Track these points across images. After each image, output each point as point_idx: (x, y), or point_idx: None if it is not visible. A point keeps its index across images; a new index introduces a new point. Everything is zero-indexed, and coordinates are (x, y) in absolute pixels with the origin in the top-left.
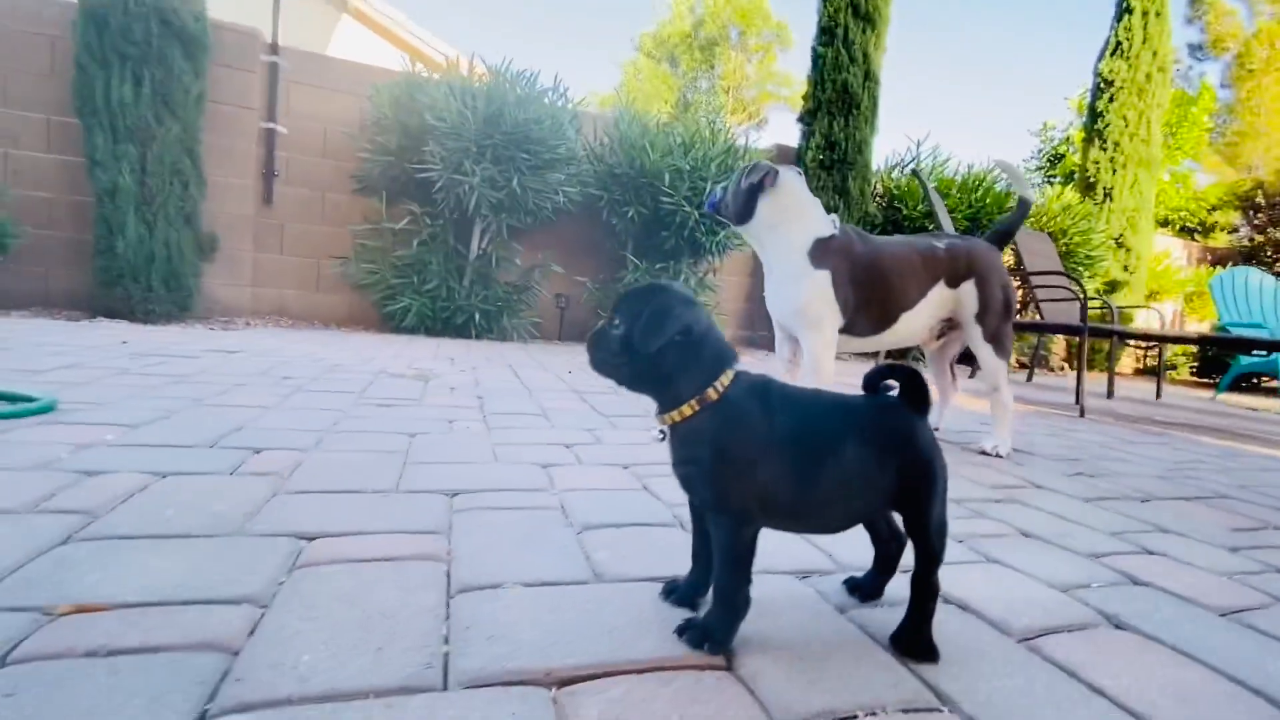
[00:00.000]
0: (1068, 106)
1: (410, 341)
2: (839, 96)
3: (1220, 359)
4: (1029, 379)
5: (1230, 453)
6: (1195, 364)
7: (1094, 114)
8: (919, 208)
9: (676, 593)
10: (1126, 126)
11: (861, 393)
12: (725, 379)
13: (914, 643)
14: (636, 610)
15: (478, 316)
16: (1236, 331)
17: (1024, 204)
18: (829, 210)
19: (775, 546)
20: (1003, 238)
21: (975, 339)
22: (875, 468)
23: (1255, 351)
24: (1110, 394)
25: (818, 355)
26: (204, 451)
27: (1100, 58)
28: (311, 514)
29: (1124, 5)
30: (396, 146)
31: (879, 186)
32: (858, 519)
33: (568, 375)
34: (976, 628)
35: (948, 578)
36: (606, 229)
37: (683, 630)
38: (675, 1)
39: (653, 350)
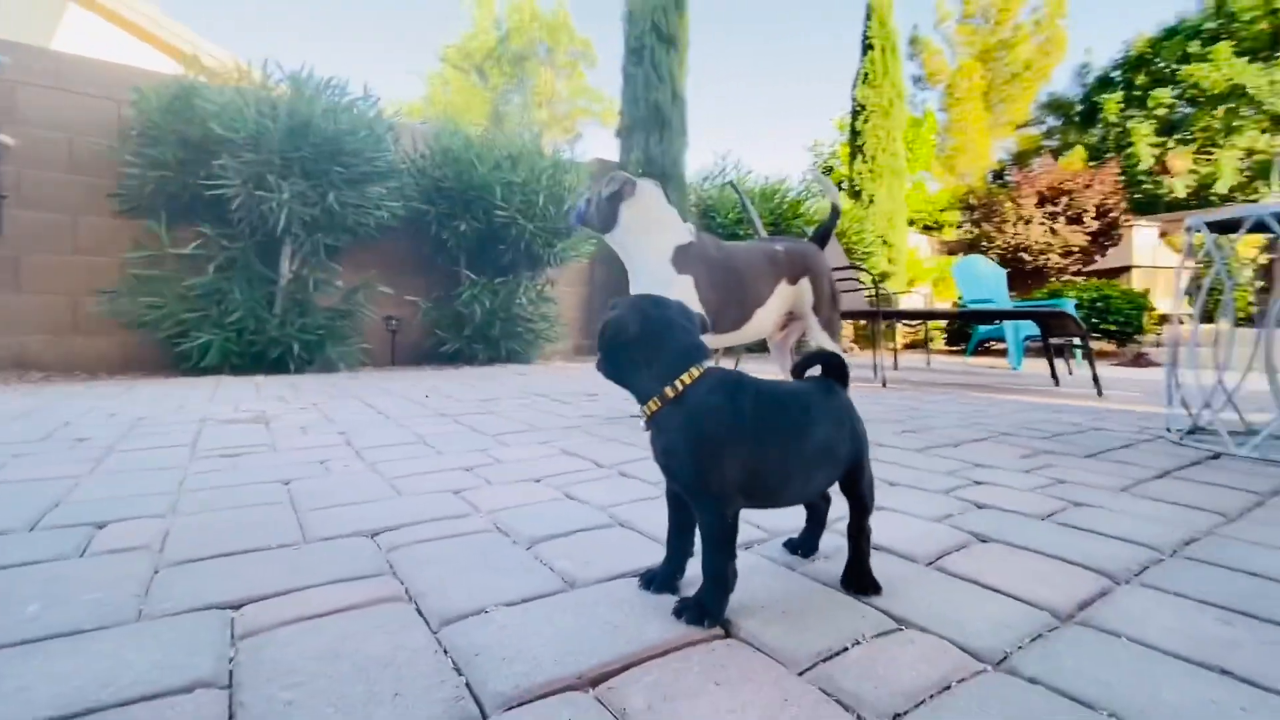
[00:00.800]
0: (833, 126)
1: (218, 383)
2: (652, 114)
3: (963, 329)
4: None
5: (994, 401)
6: (945, 335)
7: (854, 133)
8: (730, 216)
9: (656, 581)
10: (880, 143)
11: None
12: (688, 376)
13: (861, 581)
14: (626, 605)
15: (296, 348)
16: (974, 306)
17: (836, 210)
18: None
19: None
20: (823, 239)
21: (814, 327)
22: (835, 440)
23: (993, 321)
24: (895, 366)
25: None
26: (25, 536)
27: (855, 85)
28: (219, 582)
29: (867, 43)
30: (174, 160)
31: (693, 197)
32: (825, 487)
33: (426, 400)
34: (894, 562)
35: None
36: (437, 244)
37: (680, 612)
38: (478, 14)
39: (604, 356)
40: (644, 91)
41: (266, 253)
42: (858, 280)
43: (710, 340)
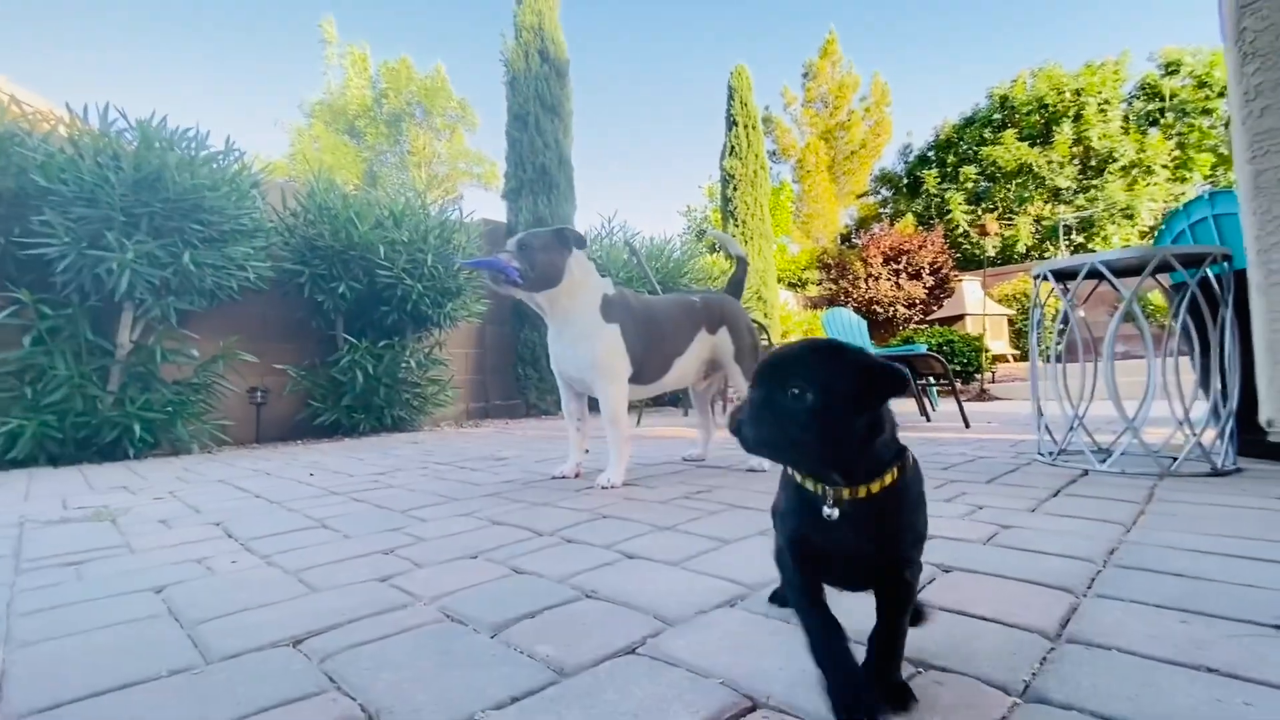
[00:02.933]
0: (702, 193)
1: (32, 477)
2: (539, 177)
3: None
4: (724, 409)
5: None
6: None
7: (725, 199)
8: (621, 274)
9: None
10: (749, 209)
11: None
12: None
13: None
14: (635, 688)
15: (138, 428)
16: None
17: (742, 262)
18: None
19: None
20: (737, 290)
21: (736, 376)
22: None
23: None
24: None
25: (615, 405)
26: None
27: (723, 157)
28: None
29: (732, 119)
30: None
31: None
32: None
33: (311, 478)
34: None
35: None
36: (311, 307)
37: (903, 697)
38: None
39: (863, 420)
40: (530, 155)
41: (102, 320)
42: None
43: (633, 391)
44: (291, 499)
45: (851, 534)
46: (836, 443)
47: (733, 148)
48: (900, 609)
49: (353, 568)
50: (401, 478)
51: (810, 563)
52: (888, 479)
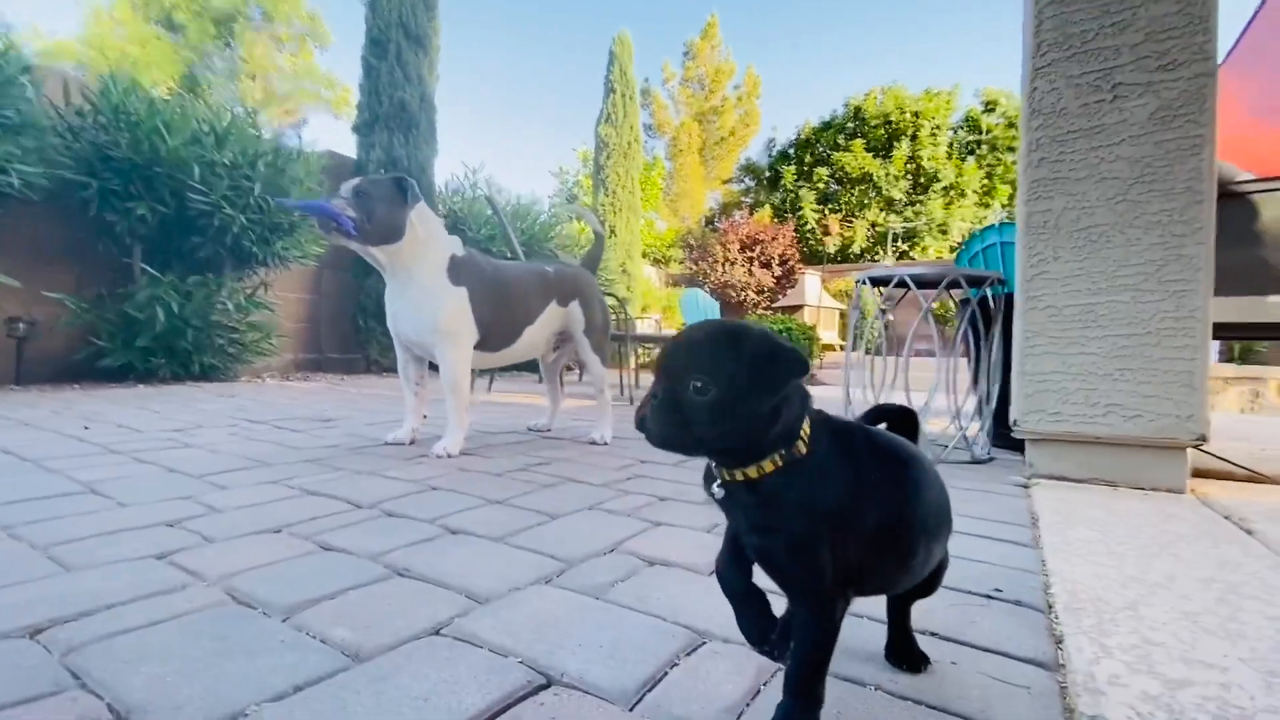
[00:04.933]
0: (576, 157)
1: None
2: (397, 113)
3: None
4: (580, 379)
5: None
6: None
7: (598, 166)
8: (482, 232)
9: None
10: (620, 180)
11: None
12: (807, 429)
13: (912, 654)
14: (430, 672)
15: None
16: None
17: (599, 237)
18: None
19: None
20: (593, 265)
21: (585, 350)
22: (946, 505)
23: None
24: (637, 384)
25: (456, 371)
26: None
27: (598, 123)
28: None
29: (610, 85)
30: None
31: (442, 208)
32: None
33: (87, 431)
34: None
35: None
36: (99, 227)
37: None
38: None
39: (768, 407)
40: (389, 87)
41: None
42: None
43: (478, 359)
44: (52, 457)
45: (741, 516)
46: (737, 433)
47: (609, 115)
48: (800, 637)
49: (123, 542)
50: (204, 436)
51: (737, 540)
52: (767, 466)
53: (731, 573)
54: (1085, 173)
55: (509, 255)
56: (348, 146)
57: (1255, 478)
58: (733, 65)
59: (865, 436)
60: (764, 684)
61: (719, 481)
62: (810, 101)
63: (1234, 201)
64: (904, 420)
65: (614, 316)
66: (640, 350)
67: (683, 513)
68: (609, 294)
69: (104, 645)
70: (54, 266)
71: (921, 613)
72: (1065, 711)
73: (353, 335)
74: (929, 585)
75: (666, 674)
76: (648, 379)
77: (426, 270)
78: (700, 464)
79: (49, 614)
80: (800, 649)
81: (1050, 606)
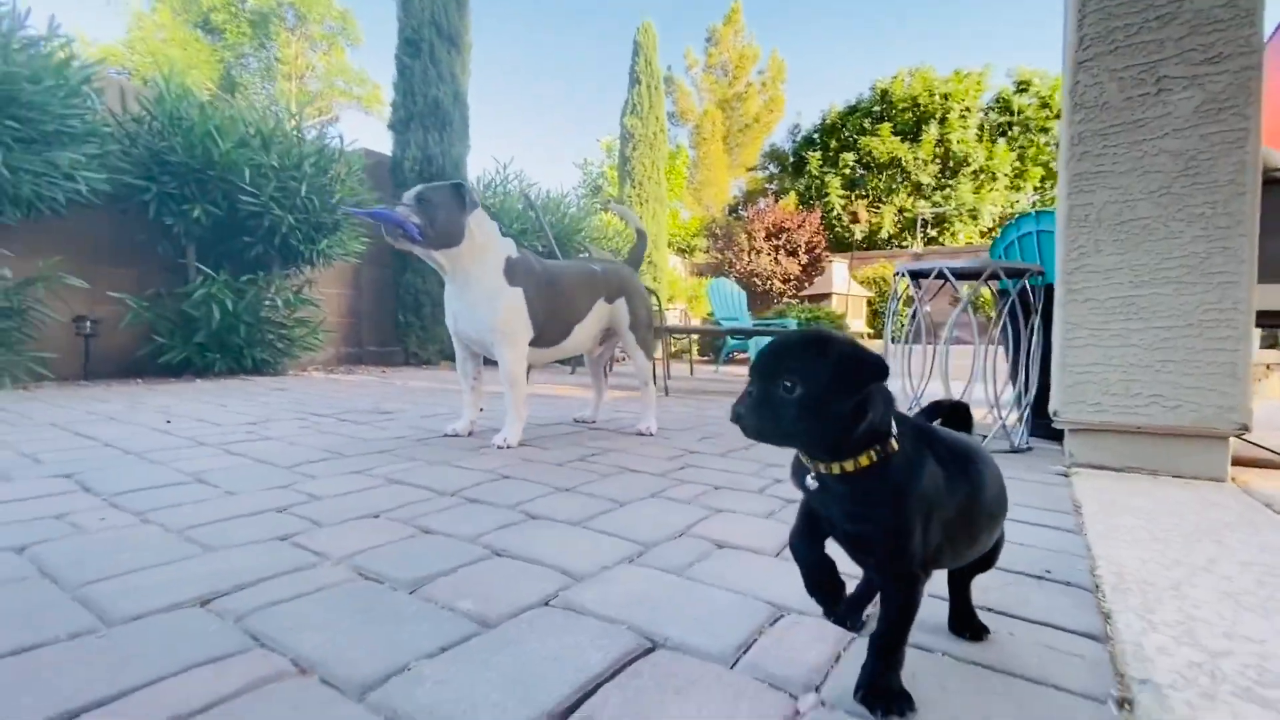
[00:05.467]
0: (600, 147)
1: None
2: (431, 110)
3: (713, 342)
4: (609, 371)
5: None
6: (699, 346)
7: (624, 158)
8: (514, 226)
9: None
10: (646, 171)
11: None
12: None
13: (974, 624)
14: (554, 635)
15: None
16: (727, 323)
17: (642, 235)
18: None
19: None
20: (636, 262)
21: (631, 345)
22: (1002, 494)
23: (736, 336)
24: (669, 375)
25: (514, 368)
26: None
27: (624, 114)
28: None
29: (635, 76)
30: None
31: None
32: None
33: (169, 425)
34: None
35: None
36: (158, 230)
37: (871, 704)
38: None
39: (849, 407)
40: (422, 85)
41: None
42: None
43: (532, 355)
44: (152, 449)
45: (834, 506)
46: (823, 428)
47: (634, 105)
48: (888, 609)
49: (246, 526)
50: (277, 429)
51: (811, 517)
52: (863, 460)
53: (804, 545)
54: (1128, 166)
55: (541, 249)
56: (381, 143)
57: None
58: (756, 50)
59: (938, 434)
60: (844, 649)
61: (812, 474)
62: (835, 85)
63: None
64: (959, 414)
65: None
66: (671, 340)
67: (739, 500)
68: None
69: (266, 613)
70: (116, 267)
71: (979, 592)
72: (1117, 675)
73: (391, 329)
74: (989, 560)
75: (756, 640)
76: (676, 369)
77: (485, 272)
78: (749, 455)
79: (210, 588)
80: (887, 619)
81: (1098, 587)
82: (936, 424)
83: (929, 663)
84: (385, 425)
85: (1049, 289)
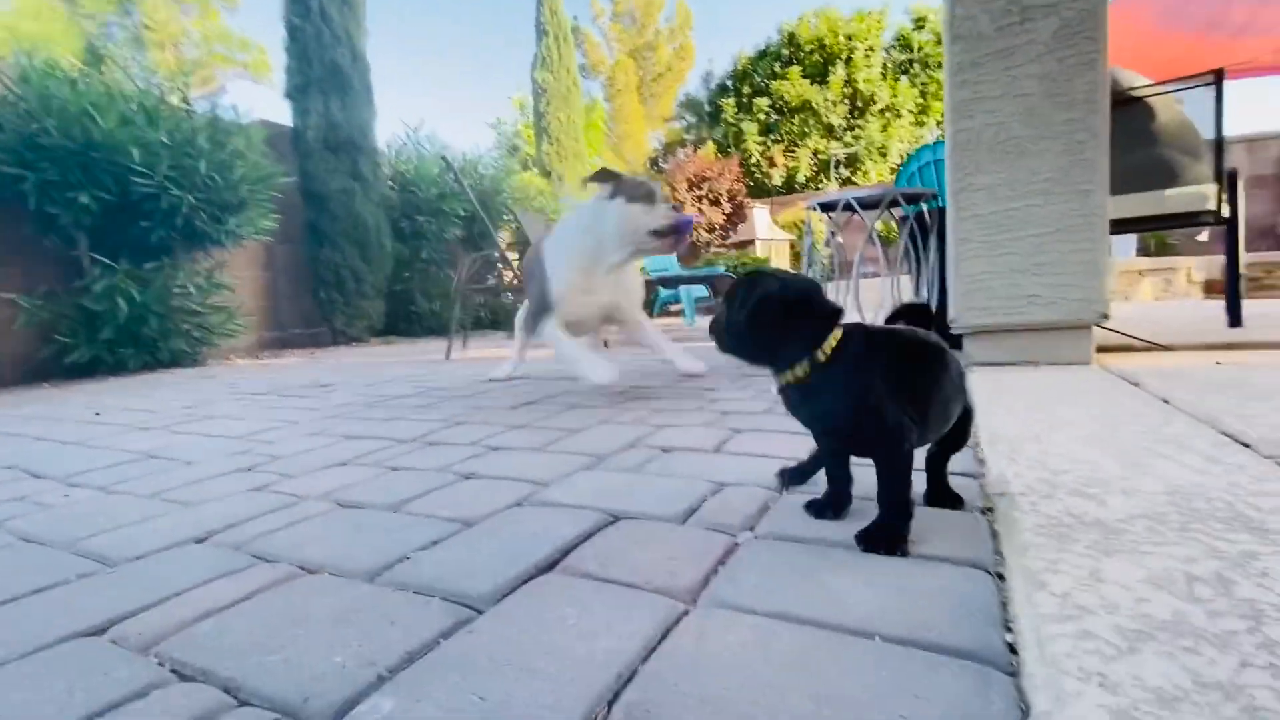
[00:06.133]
0: (512, 105)
1: None
2: (330, 75)
3: (647, 296)
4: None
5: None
6: None
7: (538, 114)
8: (433, 190)
9: (831, 507)
10: (562, 126)
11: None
12: (832, 341)
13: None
14: (530, 527)
15: None
16: (658, 275)
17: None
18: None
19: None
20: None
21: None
22: (958, 376)
23: (668, 286)
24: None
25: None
26: None
27: (534, 68)
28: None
29: (542, 27)
30: None
31: (388, 170)
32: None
33: (98, 417)
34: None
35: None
36: (42, 221)
37: (867, 540)
38: None
39: (745, 326)
40: (317, 48)
41: None
42: None
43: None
44: (90, 438)
45: (800, 408)
46: (754, 349)
47: (544, 59)
48: (878, 468)
49: (217, 485)
50: (220, 408)
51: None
52: (798, 371)
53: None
54: (1000, 91)
55: (464, 213)
56: (278, 113)
57: (1152, 347)
58: None
59: (890, 334)
60: (773, 504)
61: (775, 385)
62: (744, 30)
63: (1135, 106)
64: (920, 313)
65: None
66: None
67: (680, 417)
68: None
69: (263, 540)
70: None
71: None
72: (983, 495)
73: (314, 309)
74: (960, 439)
75: (701, 505)
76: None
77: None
78: (688, 386)
79: (203, 529)
80: (887, 477)
81: (977, 444)
82: (901, 325)
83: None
84: (328, 396)
85: (943, 211)
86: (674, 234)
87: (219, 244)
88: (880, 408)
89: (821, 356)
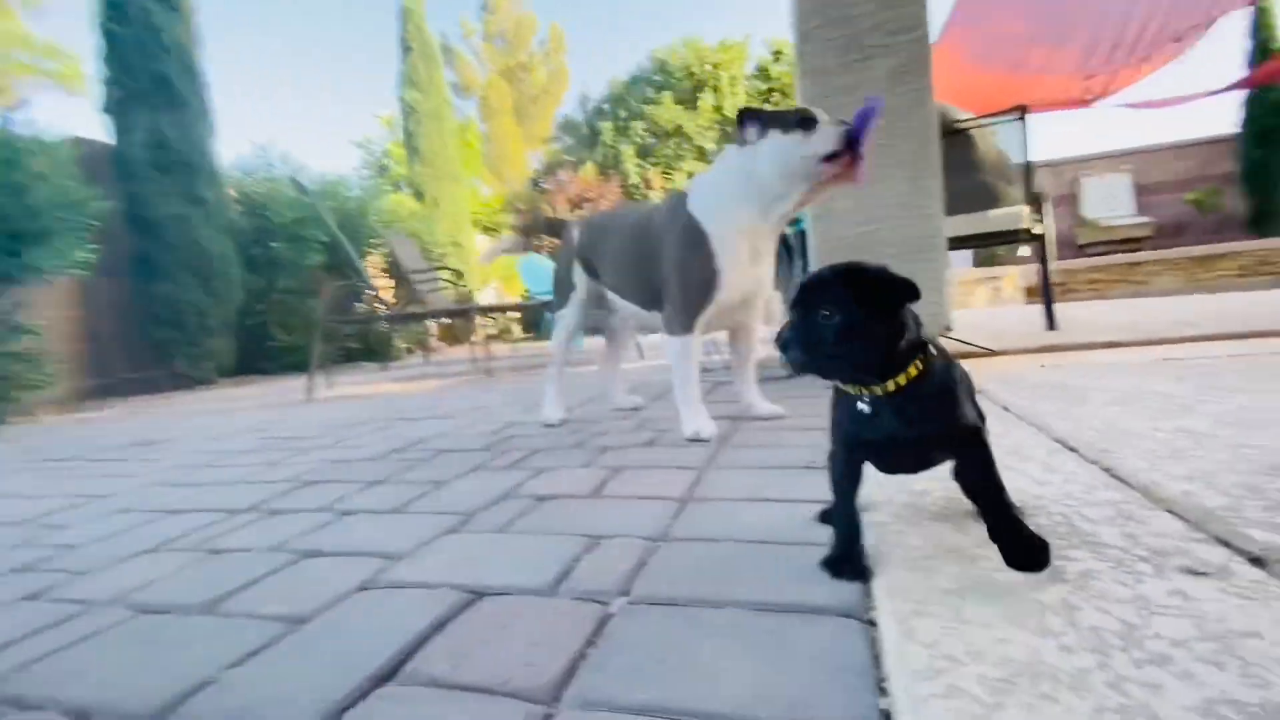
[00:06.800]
0: (380, 124)
1: None
2: (158, 88)
3: (534, 318)
4: (425, 360)
5: (588, 374)
6: (522, 324)
7: (408, 133)
8: (287, 214)
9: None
10: (435, 146)
11: None
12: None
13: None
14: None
15: None
16: (542, 297)
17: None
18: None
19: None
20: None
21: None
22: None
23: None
24: (490, 357)
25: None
26: None
27: (401, 86)
28: None
29: (407, 44)
30: None
31: (234, 192)
32: None
33: None
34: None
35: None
36: None
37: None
38: None
39: (885, 329)
40: (140, 58)
41: None
42: (440, 280)
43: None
44: None
45: (891, 421)
46: (866, 350)
47: (410, 77)
48: (981, 468)
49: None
50: (7, 483)
51: (860, 453)
52: (911, 372)
53: (850, 486)
54: None
55: (325, 238)
56: (95, 128)
57: (988, 353)
58: (534, 18)
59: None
60: (651, 555)
61: (864, 399)
62: (618, 56)
63: (960, 137)
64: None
65: (457, 290)
66: (490, 321)
67: (558, 457)
68: (441, 268)
69: (20, 676)
70: None
71: (755, 485)
72: None
73: (148, 349)
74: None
75: (575, 567)
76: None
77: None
78: (568, 428)
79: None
80: (988, 483)
81: None
82: None
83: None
84: (151, 457)
85: (804, 234)
86: (852, 149)
87: (15, 281)
88: (970, 406)
89: (934, 350)
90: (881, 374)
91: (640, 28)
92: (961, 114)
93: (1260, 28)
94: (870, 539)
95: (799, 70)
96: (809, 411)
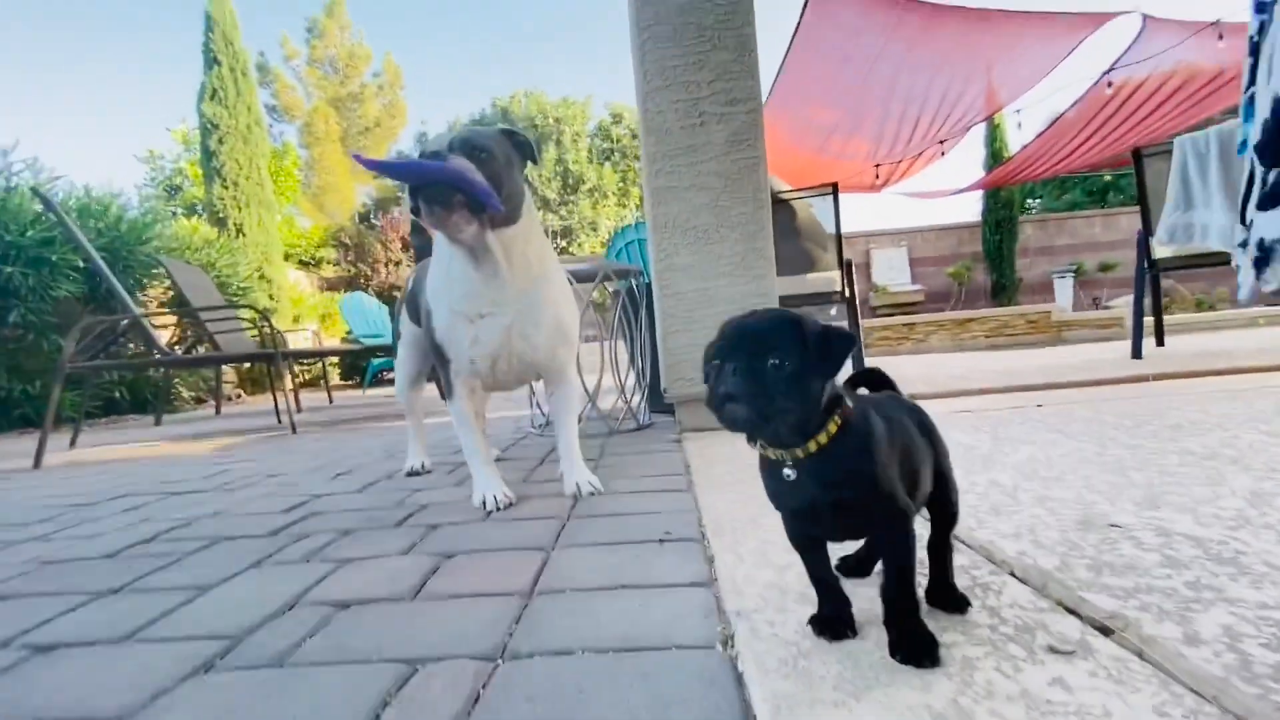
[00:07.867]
0: (173, 138)
1: None
2: None
3: (356, 363)
4: (218, 412)
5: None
6: (340, 369)
7: (208, 153)
8: (29, 234)
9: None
10: (241, 169)
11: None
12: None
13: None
14: None
15: None
16: (367, 341)
17: None
18: None
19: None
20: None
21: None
22: (934, 445)
23: (380, 354)
24: (299, 408)
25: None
26: None
27: (201, 99)
28: None
29: (213, 56)
30: None
31: None
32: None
33: None
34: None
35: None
36: None
37: (908, 655)
38: None
39: (802, 382)
40: None
41: None
42: (239, 319)
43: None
44: None
45: (810, 486)
46: (805, 405)
47: (214, 91)
48: (890, 547)
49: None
50: None
51: (800, 523)
52: (831, 429)
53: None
54: (690, 182)
55: (83, 264)
56: None
57: None
58: (368, 50)
59: (867, 397)
60: (483, 686)
61: (790, 463)
62: (459, 97)
63: (783, 206)
64: (877, 378)
65: (256, 331)
66: (300, 367)
67: (374, 538)
68: (236, 305)
69: None
70: None
71: (609, 567)
72: (720, 614)
73: None
74: (952, 510)
75: (380, 714)
76: (308, 400)
77: (545, 258)
78: (390, 486)
79: None
80: (896, 563)
81: (704, 535)
82: (861, 391)
83: (568, 662)
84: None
85: (650, 286)
86: (417, 205)
87: None
88: (890, 468)
89: (850, 405)
90: (804, 431)
91: (482, 74)
92: (782, 184)
93: (993, 139)
94: (740, 630)
95: (643, 127)
96: (652, 469)
